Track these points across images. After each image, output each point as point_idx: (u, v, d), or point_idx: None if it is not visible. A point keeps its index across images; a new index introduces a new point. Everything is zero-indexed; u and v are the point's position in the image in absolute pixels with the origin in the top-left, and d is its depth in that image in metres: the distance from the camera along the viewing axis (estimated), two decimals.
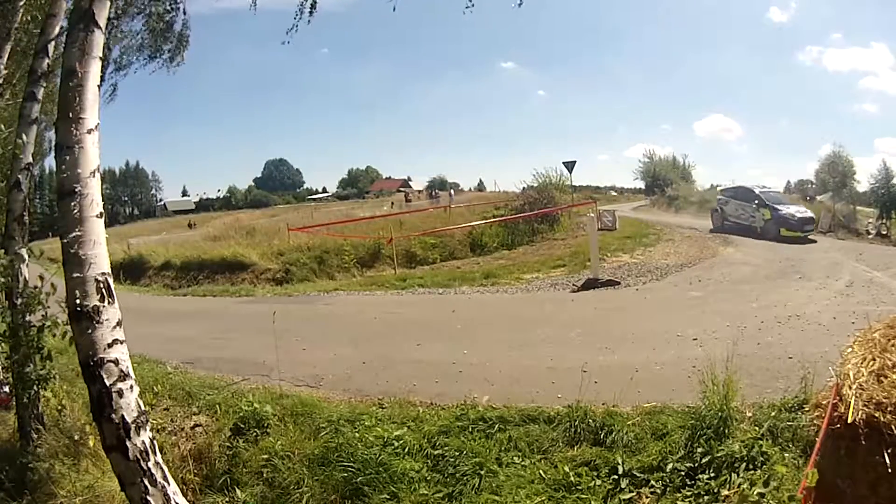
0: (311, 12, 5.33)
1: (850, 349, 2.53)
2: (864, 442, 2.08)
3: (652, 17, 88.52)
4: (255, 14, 5.67)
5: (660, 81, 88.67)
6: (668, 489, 3.07)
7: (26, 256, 3.92)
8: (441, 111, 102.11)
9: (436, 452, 3.63)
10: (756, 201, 15.11)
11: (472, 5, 5.03)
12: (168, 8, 6.09)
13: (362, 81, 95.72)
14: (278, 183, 76.25)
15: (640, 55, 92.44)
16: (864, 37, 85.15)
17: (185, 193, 71.96)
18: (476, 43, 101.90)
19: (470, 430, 3.78)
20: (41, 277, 3.49)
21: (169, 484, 2.19)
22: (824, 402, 2.60)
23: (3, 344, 3.52)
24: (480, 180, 64.47)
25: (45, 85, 4.18)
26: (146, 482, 2.10)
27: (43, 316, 3.36)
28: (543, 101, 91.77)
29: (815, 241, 13.57)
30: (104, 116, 2.40)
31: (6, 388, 4.05)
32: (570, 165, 19.95)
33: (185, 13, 6.25)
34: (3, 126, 4.20)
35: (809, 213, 14.81)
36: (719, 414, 3.32)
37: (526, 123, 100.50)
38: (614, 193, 45.08)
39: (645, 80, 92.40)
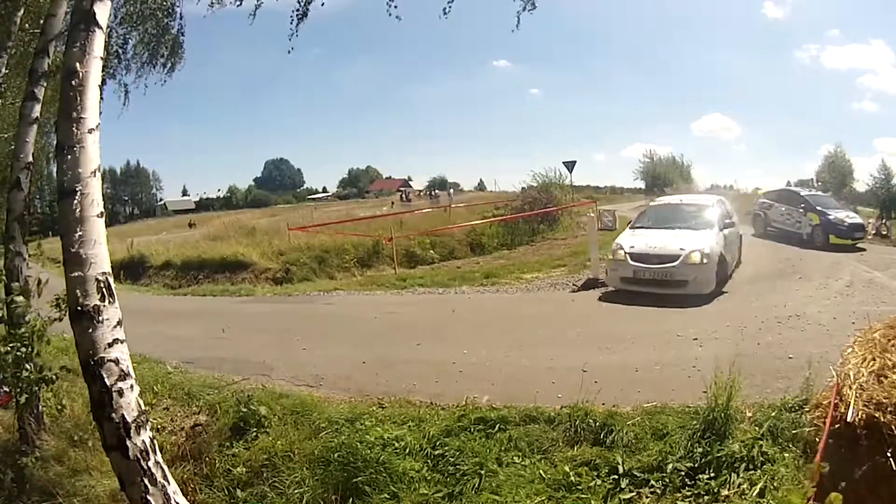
0: (301, 19, 5.46)
1: (850, 349, 2.54)
2: (864, 442, 2.08)
3: (645, 15, 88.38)
4: (251, 23, 5.76)
5: (656, 80, 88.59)
6: (668, 489, 3.06)
7: (26, 256, 3.92)
8: (438, 111, 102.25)
9: (436, 452, 3.63)
10: (802, 205, 13.35)
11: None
12: (166, 13, 6.09)
13: (359, 81, 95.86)
14: (278, 183, 76.22)
15: (634, 53, 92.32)
16: (863, 33, 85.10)
17: (185, 193, 72.01)
18: (468, 42, 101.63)
19: (470, 429, 3.77)
20: (38, 280, 3.46)
21: (169, 483, 2.18)
22: (825, 402, 2.61)
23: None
24: (481, 180, 64.24)
25: (45, 85, 4.18)
26: (146, 481, 2.10)
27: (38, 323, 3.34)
28: (537, 99, 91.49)
29: (864, 250, 11.89)
30: (106, 117, 2.40)
31: (6, 388, 4.04)
32: (570, 165, 20.02)
33: (181, 18, 6.26)
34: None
35: (859, 219, 13.24)
36: (720, 414, 3.32)
37: (522, 123, 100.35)
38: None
39: (641, 79, 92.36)
